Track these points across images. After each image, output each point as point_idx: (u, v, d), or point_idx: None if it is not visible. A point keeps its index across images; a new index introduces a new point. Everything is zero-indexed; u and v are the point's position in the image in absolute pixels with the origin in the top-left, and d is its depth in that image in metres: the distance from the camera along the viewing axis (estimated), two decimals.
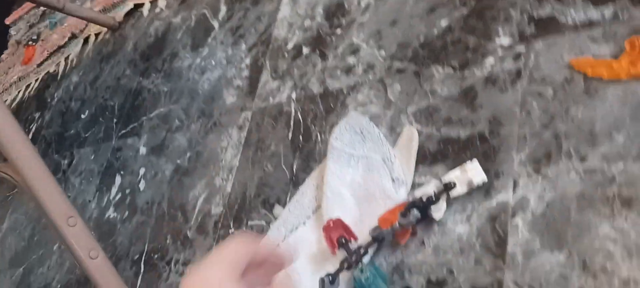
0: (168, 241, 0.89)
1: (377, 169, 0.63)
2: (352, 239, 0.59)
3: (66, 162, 1.30)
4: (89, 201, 1.14)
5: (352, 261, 0.57)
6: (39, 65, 1.67)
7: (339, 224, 0.59)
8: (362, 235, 0.58)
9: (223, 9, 1.09)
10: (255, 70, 0.93)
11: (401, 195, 0.59)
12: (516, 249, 0.52)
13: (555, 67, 0.57)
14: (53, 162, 1.34)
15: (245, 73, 0.94)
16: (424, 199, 0.57)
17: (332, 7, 0.86)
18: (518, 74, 0.59)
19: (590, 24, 0.56)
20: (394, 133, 0.67)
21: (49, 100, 1.54)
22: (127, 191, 1.05)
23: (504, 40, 0.62)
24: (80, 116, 1.34)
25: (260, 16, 0.99)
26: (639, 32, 0.52)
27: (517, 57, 0.60)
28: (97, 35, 1.50)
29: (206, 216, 0.85)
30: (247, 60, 0.95)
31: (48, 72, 1.61)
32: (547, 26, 0.59)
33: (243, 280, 0.46)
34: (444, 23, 0.69)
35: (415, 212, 0.56)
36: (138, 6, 1.39)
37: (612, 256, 0.46)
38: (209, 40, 1.07)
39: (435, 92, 0.66)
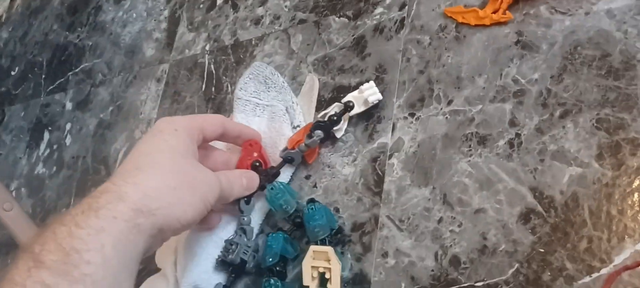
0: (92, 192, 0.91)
1: (280, 117, 0.66)
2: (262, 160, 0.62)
3: None
4: (20, 158, 1.14)
5: (265, 182, 0.60)
6: None
7: (257, 148, 0.62)
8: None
9: None
10: (173, 22, 0.93)
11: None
12: (391, 187, 0.56)
13: (432, 15, 0.60)
14: None
15: (164, 25, 0.95)
16: (325, 120, 0.60)
17: None
18: (402, 22, 0.63)
19: None
20: (295, 82, 0.70)
21: None
22: (55, 147, 1.06)
23: None
24: (10, 73, 1.32)
25: None
26: None
27: (402, 6, 0.63)
28: None
29: None
30: (166, 13, 0.96)
31: None
32: None
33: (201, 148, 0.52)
34: None
35: (319, 132, 0.59)
36: None
37: (467, 189, 0.51)
38: None
39: (331, 41, 0.69)
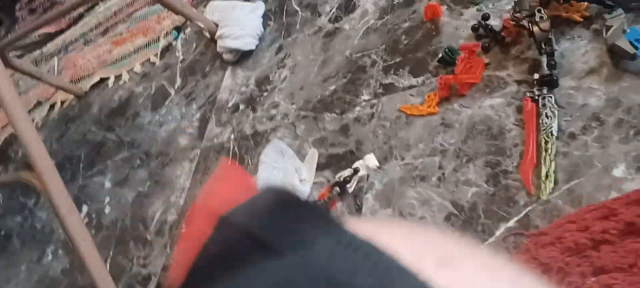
0: (131, 245, 1.18)
1: (291, 175, 0.99)
2: None
3: (32, 201, 1.55)
4: (56, 228, 1.39)
5: None
6: (2, 127, 1.92)
7: None
8: None
9: (178, 80, 1.45)
10: (204, 122, 1.27)
11: (306, 188, 0.95)
12: (367, 210, 0.88)
13: (392, 110, 0.96)
14: (19, 203, 1.58)
15: (196, 124, 1.29)
16: (341, 180, 0.91)
17: (261, 78, 1.24)
18: (372, 115, 0.99)
19: (410, 86, 0.97)
20: (299, 155, 1.04)
21: (12, 155, 1.78)
22: (93, 215, 1.32)
23: (366, 96, 1.02)
24: None
25: (208, 85, 1.35)
26: (433, 90, 0.93)
27: (372, 106, 1.00)
28: (62, 102, 1.79)
29: (163, 224, 1.15)
30: (198, 115, 1.30)
31: (11, 133, 1.85)
32: (389, 88, 0.99)
33: None
34: (332, 87, 1.09)
35: (337, 189, 0.91)
36: (103, 79, 1.71)
37: (414, 207, 0.83)
38: (167, 102, 1.41)
39: (325, 128, 1.04)
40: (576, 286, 0.62)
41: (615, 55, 0.77)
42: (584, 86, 0.79)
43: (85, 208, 1.36)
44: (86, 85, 1.74)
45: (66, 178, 1.50)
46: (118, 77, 1.67)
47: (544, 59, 0.82)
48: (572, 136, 0.76)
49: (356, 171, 0.92)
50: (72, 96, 1.76)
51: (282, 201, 0.25)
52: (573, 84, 0.80)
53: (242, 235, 0.23)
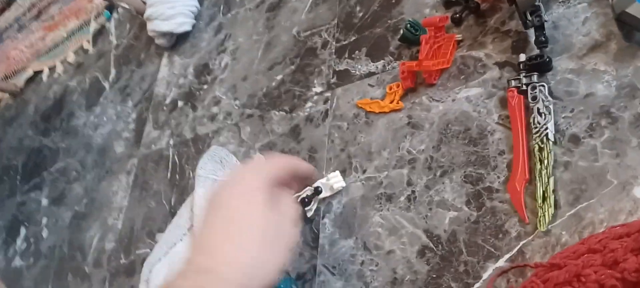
0: (69, 278, 1.02)
1: None
2: None
3: None
4: None
5: None
6: None
7: None
8: None
9: (113, 71, 1.25)
10: (140, 122, 1.09)
11: None
12: (325, 241, 0.71)
13: (348, 106, 0.78)
14: None
15: (132, 126, 1.10)
16: (298, 201, 0.74)
17: (200, 66, 1.05)
18: (326, 113, 0.80)
19: (369, 74, 0.78)
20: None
21: None
22: (32, 240, 1.16)
23: (317, 88, 0.83)
24: None
25: (143, 76, 1.16)
26: (396, 79, 0.74)
27: (325, 100, 0.81)
28: None
29: (101, 252, 0.99)
30: (133, 115, 1.11)
31: None
32: (344, 76, 0.80)
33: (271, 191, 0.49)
34: (279, 77, 0.89)
35: None
36: (38, 72, 1.51)
37: (380, 236, 0.66)
38: (101, 99, 1.22)
39: (273, 130, 0.85)
40: None
41: (626, 25, 0.58)
42: (586, 68, 0.60)
43: (23, 231, 1.20)
44: (20, 80, 1.54)
45: (4, 194, 1.33)
46: (52, 70, 1.47)
47: (531, 34, 0.63)
48: (575, 140, 0.57)
49: (318, 191, 0.74)
50: (7, 95, 1.56)
51: None
52: (572, 65, 0.61)
53: None
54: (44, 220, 1.16)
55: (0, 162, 1.42)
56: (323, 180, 0.74)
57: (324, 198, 0.73)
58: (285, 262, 0.47)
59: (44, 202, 1.19)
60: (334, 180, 0.73)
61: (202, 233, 0.46)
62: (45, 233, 1.14)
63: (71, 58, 1.41)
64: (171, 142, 1.00)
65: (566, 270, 0.49)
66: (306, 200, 0.74)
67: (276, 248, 0.47)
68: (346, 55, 0.82)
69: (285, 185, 0.55)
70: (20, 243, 1.18)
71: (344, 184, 0.72)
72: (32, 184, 1.26)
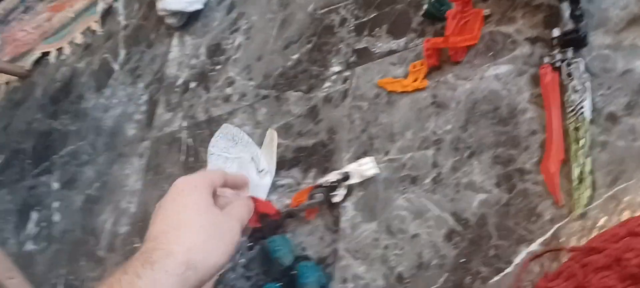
0: (82, 263, 1.00)
1: (247, 165, 0.79)
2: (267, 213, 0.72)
3: None
4: (8, 238, 1.22)
5: (266, 234, 0.71)
6: None
7: (254, 200, 0.72)
8: None
9: (122, 52, 1.22)
10: (152, 105, 1.06)
11: (267, 181, 0.76)
12: (346, 224, 0.68)
13: (368, 86, 0.75)
14: None
15: (143, 108, 1.08)
16: (326, 185, 0.70)
17: (213, 46, 1.02)
18: (345, 93, 0.77)
19: (390, 52, 0.75)
20: (257, 141, 0.84)
21: None
22: (43, 224, 1.15)
23: (336, 67, 0.80)
24: None
25: (154, 57, 1.13)
26: (419, 57, 0.71)
27: (345, 80, 0.78)
28: (7, 83, 1.58)
29: (114, 236, 0.98)
30: (145, 97, 1.09)
31: None
32: (363, 54, 0.78)
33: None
34: (295, 56, 0.87)
35: (320, 195, 0.70)
36: (45, 54, 1.49)
37: (404, 219, 0.64)
38: (111, 81, 1.20)
39: (290, 111, 0.83)
40: None
41: None
42: (624, 43, 0.57)
43: (35, 215, 1.18)
44: (28, 62, 1.51)
45: (15, 178, 1.31)
46: (59, 51, 1.44)
47: (566, 7, 0.60)
48: (613, 118, 0.55)
49: (346, 177, 0.70)
50: (15, 77, 1.54)
51: None
52: (609, 41, 0.58)
53: None
54: (56, 204, 1.14)
55: (9, 146, 1.40)
56: (354, 166, 0.70)
57: (351, 185, 0.70)
58: (231, 253, 0.54)
59: (55, 185, 1.17)
60: (366, 167, 0.68)
61: (152, 225, 0.52)
62: (56, 218, 1.12)
63: (79, 39, 1.38)
64: (184, 124, 0.98)
65: (606, 253, 0.47)
66: (334, 185, 0.71)
67: (221, 239, 0.53)
68: (366, 33, 0.79)
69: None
70: (31, 227, 1.17)
71: (377, 171, 0.68)
72: (42, 168, 1.24)
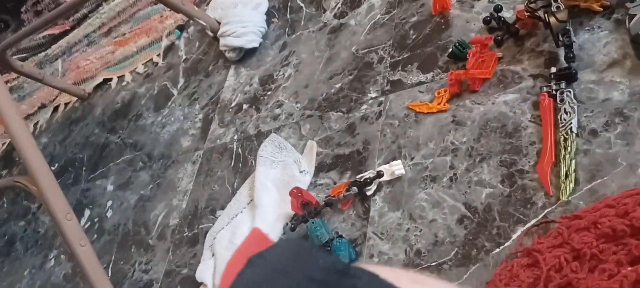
0: (133, 250, 1.14)
1: (290, 166, 0.95)
2: (310, 201, 0.87)
3: (35, 205, 1.52)
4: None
5: (308, 218, 0.86)
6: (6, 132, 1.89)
7: (301, 190, 0.88)
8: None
9: (181, 80, 1.41)
10: (206, 122, 1.24)
11: (307, 179, 0.92)
12: (375, 213, 0.83)
13: (400, 108, 0.92)
14: (23, 207, 1.55)
15: (199, 124, 1.25)
16: (361, 181, 0.86)
17: (265, 77, 1.20)
18: (380, 113, 0.94)
19: (419, 83, 0.92)
20: (300, 150, 1.00)
21: (16, 159, 1.76)
22: (95, 220, 1.29)
23: (373, 94, 0.98)
24: (50, 168, 1.57)
25: (211, 85, 1.32)
26: (443, 86, 0.88)
27: (379, 104, 0.95)
28: (66, 104, 1.77)
29: (165, 227, 1.12)
30: (200, 116, 1.27)
31: None
32: (397, 85, 0.95)
33: None
34: (338, 85, 1.04)
35: (354, 189, 0.85)
36: (106, 80, 1.68)
37: (424, 209, 0.79)
38: (169, 103, 1.38)
39: (331, 127, 1.00)
40: (610, 274, 0.57)
41: (639, 45, 0.72)
42: (605, 79, 0.74)
43: (87, 212, 1.33)
44: (89, 86, 1.71)
45: (69, 182, 1.47)
46: (121, 78, 1.64)
47: (562, 52, 0.78)
48: (594, 133, 0.71)
49: (380, 175, 0.85)
50: (75, 98, 1.73)
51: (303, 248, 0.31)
52: (593, 77, 0.75)
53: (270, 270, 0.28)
54: (109, 203, 1.29)
55: (65, 155, 1.57)
56: (386, 166, 0.86)
57: (381, 182, 0.85)
58: None
59: (110, 188, 1.33)
60: (396, 167, 0.84)
61: None
62: (109, 214, 1.27)
63: (140, 69, 1.58)
64: (235, 137, 1.14)
65: (586, 219, 0.62)
66: (367, 181, 0.86)
67: None
68: (399, 68, 0.97)
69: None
70: (83, 222, 1.31)
71: (403, 172, 0.84)
72: (97, 173, 1.40)
